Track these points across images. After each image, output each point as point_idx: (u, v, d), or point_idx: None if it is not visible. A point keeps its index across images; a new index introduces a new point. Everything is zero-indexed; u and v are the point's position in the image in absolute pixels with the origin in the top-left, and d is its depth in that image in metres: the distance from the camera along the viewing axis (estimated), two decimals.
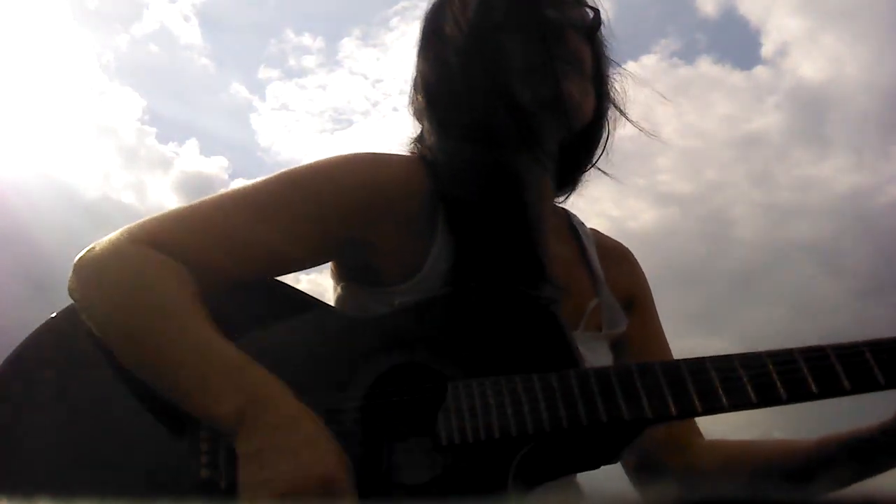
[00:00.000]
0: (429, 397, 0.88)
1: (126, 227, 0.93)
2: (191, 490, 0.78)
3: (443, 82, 1.09)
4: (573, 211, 1.28)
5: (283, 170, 1.00)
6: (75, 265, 0.91)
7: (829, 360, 0.89)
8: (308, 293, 1.01)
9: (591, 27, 1.11)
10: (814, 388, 0.87)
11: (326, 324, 0.97)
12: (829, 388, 0.87)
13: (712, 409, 0.87)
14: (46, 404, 0.86)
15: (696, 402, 0.86)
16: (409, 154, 1.14)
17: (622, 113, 1.18)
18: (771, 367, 0.88)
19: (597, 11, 1.11)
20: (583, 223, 1.27)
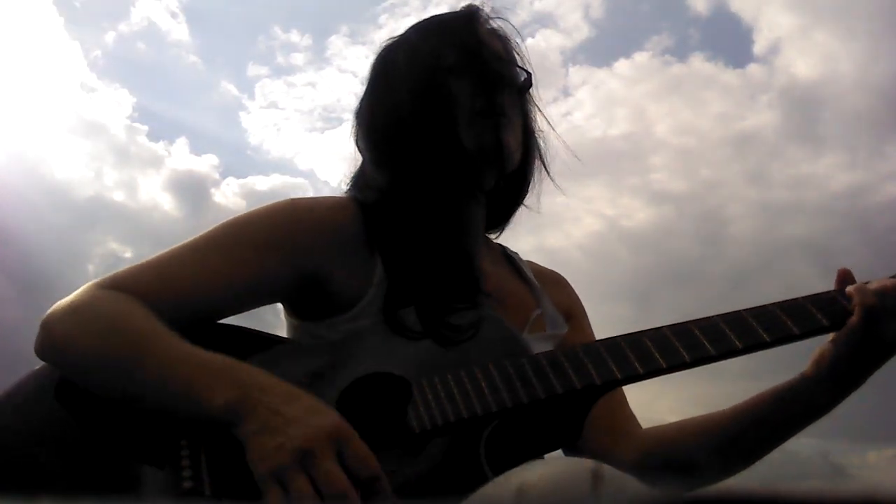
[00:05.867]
0: (396, 399, 0.93)
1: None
2: (176, 500, 0.80)
3: (390, 117, 1.18)
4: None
5: (230, 218, 1.09)
6: (43, 322, 0.95)
7: (746, 320, 1.00)
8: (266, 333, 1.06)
9: (523, 88, 1.25)
10: (738, 343, 0.97)
11: (281, 353, 1.02)
12: (752, 344, 0.98)
13: (652, 371, 0.95)
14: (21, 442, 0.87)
15: (637, 365, 0.95)
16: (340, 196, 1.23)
17: (545, 166, 1.30)
18: (697, 331, 0.99)
19: (529, 74, 1.25)
20: (516, 253, 1.37)
